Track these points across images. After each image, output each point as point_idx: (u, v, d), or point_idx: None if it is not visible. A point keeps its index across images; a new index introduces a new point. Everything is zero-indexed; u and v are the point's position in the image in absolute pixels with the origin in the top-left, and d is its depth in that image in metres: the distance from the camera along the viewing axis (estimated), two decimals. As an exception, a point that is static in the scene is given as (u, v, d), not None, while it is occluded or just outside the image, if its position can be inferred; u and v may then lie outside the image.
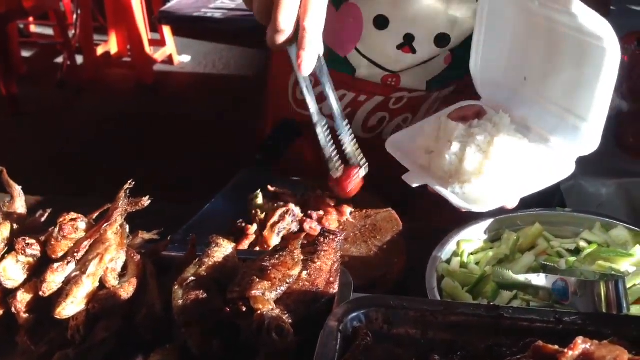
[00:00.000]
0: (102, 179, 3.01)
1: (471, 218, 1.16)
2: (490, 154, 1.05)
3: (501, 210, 1.17)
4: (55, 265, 0.81)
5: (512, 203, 1.07)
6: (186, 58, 5.72)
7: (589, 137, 1.03)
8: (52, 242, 0.83)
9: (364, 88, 1.40)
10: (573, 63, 1.01)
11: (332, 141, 1.06)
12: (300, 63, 0.91)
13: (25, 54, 5.78)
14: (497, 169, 1.04)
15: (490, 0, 1.14)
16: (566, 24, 1.00)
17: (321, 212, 1.19)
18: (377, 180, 1.35)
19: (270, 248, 1.05)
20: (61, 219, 0.85)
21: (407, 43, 1.31)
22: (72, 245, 0.84)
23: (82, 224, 0.86)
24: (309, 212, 1.18)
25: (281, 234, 1.14)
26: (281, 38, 0.91)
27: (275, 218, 1.16)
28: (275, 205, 1.19)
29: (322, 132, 1.04)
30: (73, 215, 0.86)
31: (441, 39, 1.30)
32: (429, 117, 1.23)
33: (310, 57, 0.92)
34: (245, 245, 1.11)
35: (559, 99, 1.07)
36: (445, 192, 1.07)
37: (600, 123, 1.00)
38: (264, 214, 1.18)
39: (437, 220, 1.25)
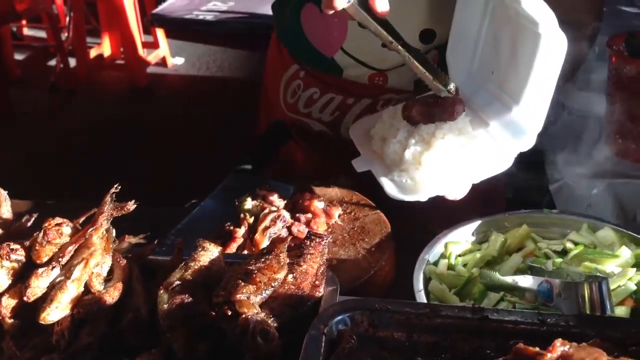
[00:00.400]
0: (94, 182, 3.00)
1: (462, 219, 1.16)
2: (432, 145, 1.04)
3: (489, 212, 1.18)
4: (40, 270, 0.81)
5: (453, 194, 1.04)
6: (180, 60, 5.71)
7: (529, 132, 1.01)
8: (37, 247, 0.83)
9: (352, 90, 1.40)
10: (526, 56, 0.99)
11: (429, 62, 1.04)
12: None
13: (18, 56, 5.76)
14: (436, 160, 1.03)
15: None
16: (519, 13, 0.99)
17: (309, 215, 1.19)
18: (369, 183, 1.35)
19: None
20: (46, 224, 0.85)
21: None
22: (57, 250, 0.84)
23: (67, 228, 0.86)
24: (297, 215, 1.19)
25: (271, 238, 1.14)
26: None
27: (267, 222, 1.16)
28: (265, 209, 1.19)
29: (415, 57, 1.04)
30: (58, 220, 0.86)
31: (426, 35, 1.30)
32: (391, 106, 1.22)
33: None
34: (233, 248, 1.11)
35: (514, 94, 1.06)
36: (382, 180, 1.06)
37: (538, 119, 0.99)
38: (253, 217, 1.19)
39: (435, 221, 1.25)
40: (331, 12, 0.98)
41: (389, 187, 1.04)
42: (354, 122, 1.38)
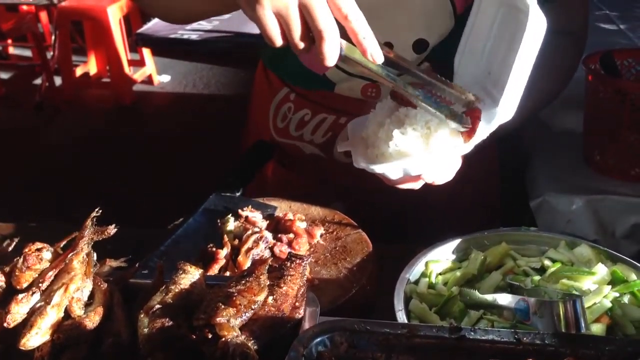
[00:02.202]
0: (79, 201, 2.99)
1: (446, 237, 1.17)
2: (404, 123, 1.00)
3: (468, 230, 1.19)
4: (20, 296, 0.81)
5: (430, 176, 1.01)
6: (166, 78, 5.73)
7: (501, 108, 0.95)
8: (17, 273, 0.84)
9: (344, 108, 1.40)
10: (510, 34, 0.96)
11: (436, 98, 0.98)
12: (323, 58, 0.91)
13: (4, 75, 5.76)
14: (406, 136, 0.99)
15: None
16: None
17: (291, 235, 1.20)
18: (365, 205, 1.36)
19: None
20: (26, 249, 0.85)
21: None
22: (37, 275, 0.84)
23: (47, 254, 0.86)
24: (279, 235, 1.19)
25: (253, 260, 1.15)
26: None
27: (249, 244, 1.16)
28: (248, 230, 1.20)
29: (422, 97, 0.97)
30: (38, 245, 0.87)
31: (419, 45, 1.31)
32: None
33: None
34: (215, 269, 1.11)
35: (493, 71, 1.02)
36: (353, 153, 1.03)
37: (515, 92, 0.94)
38: (236, 239, 1.19)
39: (417, 238, 1.25)
40: (326, 71, 0.97)
41: (356, 158, 1.01)
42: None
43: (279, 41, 0.93)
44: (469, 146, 0.98)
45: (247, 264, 1.13)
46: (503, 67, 0.96)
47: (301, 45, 0.92)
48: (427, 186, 1.09)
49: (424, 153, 0.99)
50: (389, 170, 0.99)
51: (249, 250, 1.16)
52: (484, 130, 0.97)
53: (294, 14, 0.88)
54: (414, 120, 1.01)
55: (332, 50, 0.92)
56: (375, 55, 0.94)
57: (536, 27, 0.91)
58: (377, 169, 0.99)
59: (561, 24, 1.25)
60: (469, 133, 0.98)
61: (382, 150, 1.01)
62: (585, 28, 1.39)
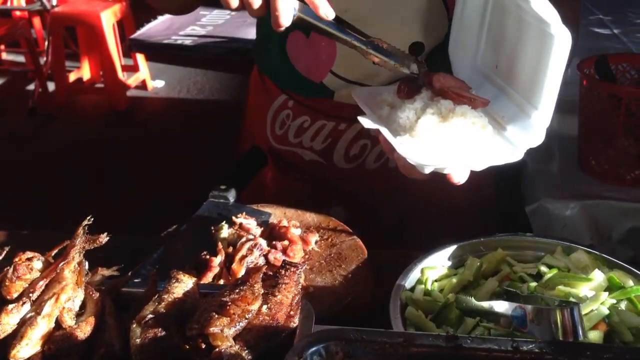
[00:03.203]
0: (73, 210, 2.97)
1: (443, 243, 1.16)
2: (448, 119, 1.03)
3: (464, 237, 1.19)
4: (10, 306, 0.80)
5: (457, 176, 1.02)
6: (160, 83, 5.71)
7: (537, 127, 1.01)
8: (7, 283, 0.82)
9: (343, 114, 1.39)
10: (532, 51, 1.00)
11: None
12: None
13: (-4, 81, 5.73)
14: (450, 136, 1.02)
15: None
16: (525, 10, 1.00)
17: (286, 242, 1.19)
18: (364, 210, 1.36)
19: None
20: (16, 259, 0.84)
21: None
22: (28, 285, 0.83)
23: (38, 263, 0.85)
24: (274, 242, 1.18)
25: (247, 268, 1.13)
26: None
27: (244, 252, 1.15)
28: (242, 237, 1.19)
29: (371, 48, 1.07)
30: (29, 254, 0.85)
31: (416, 48, 1.30)
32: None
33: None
34: (209, 277, 1.10)
35: (519, 88, 1.06)
36: (393, 139, 1.03)
37: (548, 113, 0.99)
38: (230, 246, 1.18)
39: (413, 244, 1.25)
40: (281, 29, 0.99)
41: (398, 145, 1.02)
42: (348, 146, 1.40)
43: (234, 2, 0.97)
44: (511, 159, 1.00)
45: (241, 272, 1.12)
46: (533, 84, 1.00)
47: (256, 4, 0.95)
48: (430, 186, 1.09)
49: (463, 158, 1.01)
50: (427, 169, 0.99)
51: (243, 257, 1.15)
52: (522, 142, 1.01)
53: None
54: (460, 119, 1.03)
55: (285, 8, 0.95)
56: (326, 11, 0.99)
57: (563, 45, 0.94)
58: (418, 162, 0.98)
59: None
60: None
61: (424, 142, 1.02)
62: (576, 30, 1.38)
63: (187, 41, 3.86)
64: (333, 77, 1.36)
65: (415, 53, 1.31)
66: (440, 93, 1.08)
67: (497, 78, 1.13)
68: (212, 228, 1.23)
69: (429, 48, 1.31)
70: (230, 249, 1.18)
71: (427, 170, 0.99)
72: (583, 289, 1.01)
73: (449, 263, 1.16)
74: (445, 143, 1.02)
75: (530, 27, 1.00)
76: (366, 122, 1.07)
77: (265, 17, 1.47)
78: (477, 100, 1.07)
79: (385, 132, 1.05)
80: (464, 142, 1.02)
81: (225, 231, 1.21)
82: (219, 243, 1.18)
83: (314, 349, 0.79)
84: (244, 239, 1.18)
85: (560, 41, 0.94)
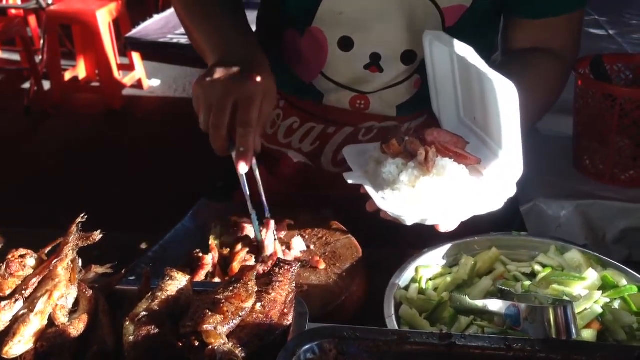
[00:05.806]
0: (68, 208, 2.96)
1: (437, 242, 1.16)
2: (429, 171, 1.05)
3: (459, 235, 1.19)
4: (2, 303, 0.80)
5: (444, 226, 1.05)
6: (156, 82, 5.70)
7: (511, 176, 1.04)
8: (-1, 280, 0.82)
9: (332, 117, 1.40)
10: (494, 102, 1.04)
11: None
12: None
13: (-8, 80, 5.71)
14: (431, 187, 1.04)
15: (431, 45, 1.18)
16: (477, 66, 1.05)
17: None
18: (351, 217, 1.35)
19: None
20: (9, 256, 0.83)
21: (374, 62, 1.31)
22: (20, 282, 0.82)
23: (31, 260, 0.84)
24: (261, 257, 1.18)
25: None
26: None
27: (243, 255, 1.15)
28: (236, 236, 1.19)
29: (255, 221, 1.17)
30: (22, 251, 0.85)
31: (408, 56, 1.31)
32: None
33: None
34: (201, 275, 1.10)
35: (494, 138, 1.10)
36: (372, 192, 1.06)
37: (517, 152, 1.02)
38: (224, 245, 1.18)
39: (407, 243, 1.25)
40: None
41: (379, 200, 1.04)
42: (337, 150, 1.41)
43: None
44: (492, 208, 1.03)
45: (238, 271, 1.11)
46: (501, 132, 1.05)
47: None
48: None
49: (447, 209, 1.03)
50: (409, 221, 1.02)
51: (236, 254, 1.14)
52: (502, 191, 1.04)
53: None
54: (440, 171, 1.05)
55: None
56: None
57: (509, 95, 0.98)
58: (399, 215, 1.01)
59: (549, 44, 1.27)
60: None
61: (404, 194, 1.05)
62: (570, 45, 1.37)
63: (183, 40, 3.84)
64: (323, 79, 1.37)
65: (408, 62, 1.32)
66: (433, 148, 1.11)
67: (476, 129, 1.18)
68: (206, 226, 1.22)
69: (422, 58, 1.31)
70: (224, 250, 1.17)
71: (409, 222, 1.02)
72: (577, 288, 1.01)
73: (444, 262, 1.16)
74: (427, 195, 1.04)
75: (487, 81, 1.04)
76: (351, 178, 1.11)
77: (266, 12, 1.48)
78: (470, 158, 1.10)
79: (368, 187, 1.08)
80: (445, 193, 1.04)
81: (219, 230, 1.21)
82: (212, 241, 1.18)
83: (307, 346, 0.79)
84: (239, 247, 1.17)
85: (506, 93, 0.98)
